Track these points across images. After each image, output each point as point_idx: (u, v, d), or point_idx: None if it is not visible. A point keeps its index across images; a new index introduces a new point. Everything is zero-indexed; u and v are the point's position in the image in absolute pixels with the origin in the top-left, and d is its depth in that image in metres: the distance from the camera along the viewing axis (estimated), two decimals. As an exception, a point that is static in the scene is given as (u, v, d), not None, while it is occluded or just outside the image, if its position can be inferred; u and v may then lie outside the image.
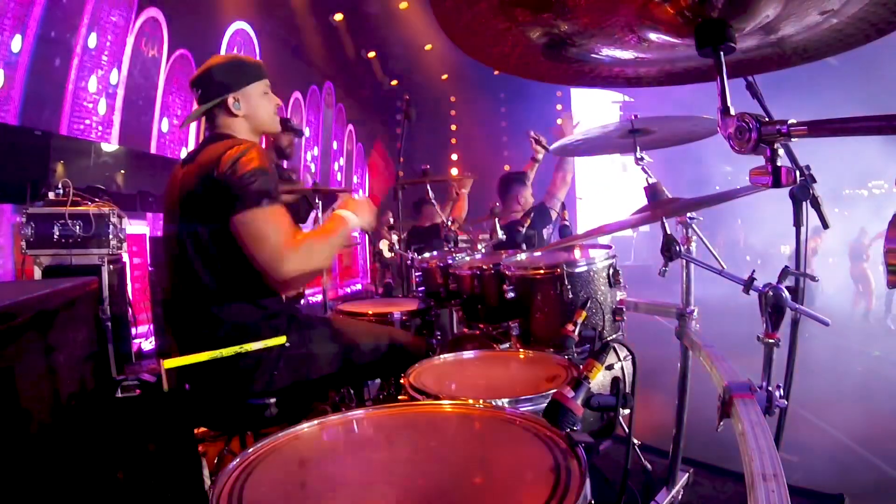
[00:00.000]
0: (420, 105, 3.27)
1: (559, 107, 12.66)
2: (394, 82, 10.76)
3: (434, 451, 0.90)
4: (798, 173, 1.07)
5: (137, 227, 4.17)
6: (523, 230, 2.67)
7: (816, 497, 1.95)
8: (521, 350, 1.64)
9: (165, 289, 1.63)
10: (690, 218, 1.50)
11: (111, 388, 2.55)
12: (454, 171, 11.39)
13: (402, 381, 1.32)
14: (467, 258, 2.25)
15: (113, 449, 2.00)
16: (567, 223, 2.40)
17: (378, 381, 2.45)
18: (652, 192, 1.46)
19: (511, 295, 1.72)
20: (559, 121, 3.81)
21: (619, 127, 1.59)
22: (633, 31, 0.82)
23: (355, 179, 11.73)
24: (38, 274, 2.75)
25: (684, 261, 1.52)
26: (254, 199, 1.40)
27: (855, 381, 4.58)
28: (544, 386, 1.24)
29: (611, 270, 1.66)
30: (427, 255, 2.53)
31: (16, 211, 3.26)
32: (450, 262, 2.19)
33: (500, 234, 2.54)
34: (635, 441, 2.13)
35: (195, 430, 2.06)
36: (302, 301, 3.59)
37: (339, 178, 10.56)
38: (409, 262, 2.60)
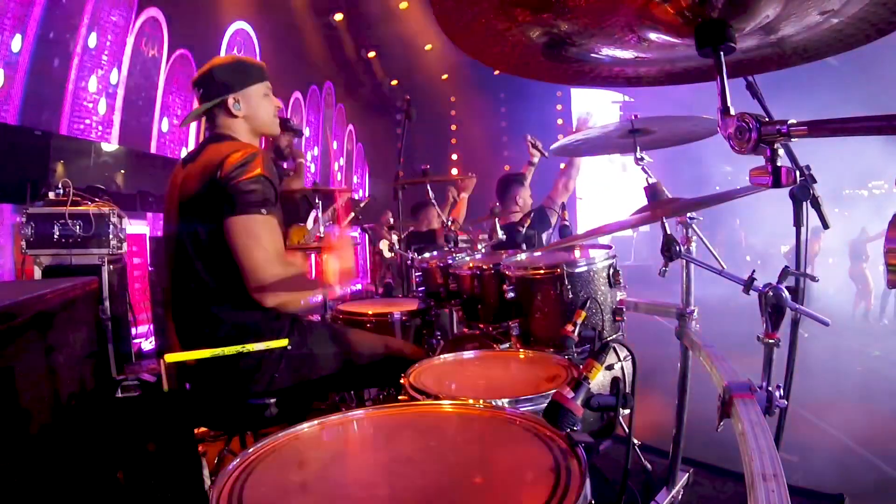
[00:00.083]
0: (420, 105, 3.26)
1: (559, 107, 12.67)
2: (394, 82, 10.76)
3: (434, 451, 0.90)
4: (798, 173, 1.07)
5: (137, 227, 4.16)
6: (523, 230, 2.67)
7: (816, 497, 1.95)
8: (521, 350, 1.64)
9: (166, 289, 1.63)
10: (690, 218, 1.50)
11: (111, 388, 2.55)
12: (454, 171, 11.40)
13: (402, 381, 1.32)
14: (467, 258, 2.25)
15: (113, 449, 2.00)
16: (567, 223, 2.40)
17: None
18: (652, 192, 1.46)
19: (511, 295, 1.72)
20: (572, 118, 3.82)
21: (619, 127, 1.59)
22: (633, 31, 0.82)
23: (355, 179, 11.73)
24: (38, 274, 2.75)
25: (684, 261, 1.52)
26: (251, 205, 1.42)
27: (855, 381, 4.58)
28: (544, 386, 1.24)
29: (611, 270, 1.66)
30: (427, 255, 2.53)
31: (16, 211, 3.26)
32: (450, 262, 2.19)
33: (500, 235, 2.54)
34: (635, 441, 2.13)
35: (195, 430, 2.06)
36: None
37: (339, 178, 10.56)
38: (409, 262, 2.60)
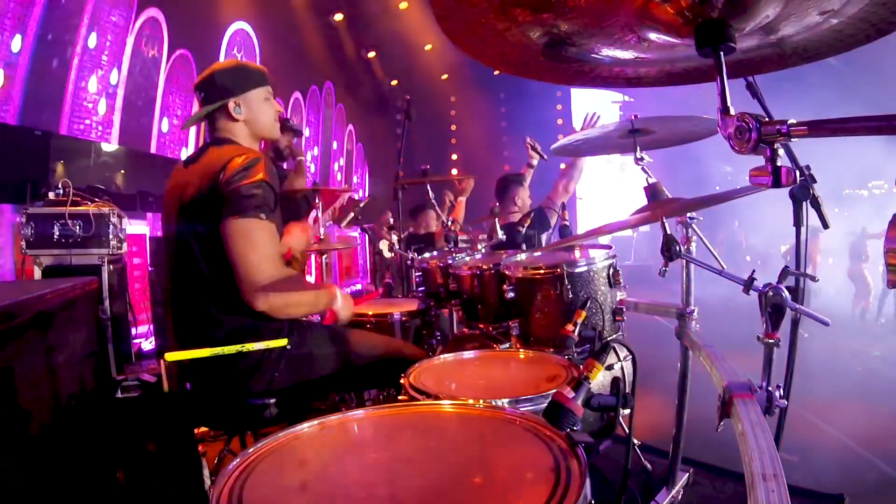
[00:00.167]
0: (420, 105, 3.26)
1: (559, 107, 12.68)
2: (394, 82, 10.76)
3: (434, 451, 0.90)
4: (798, 173, 1.07)
5: (137, 227, 4.17)
6: (523, 231, 2.67)
7: (816, 497, 1.95)
8: (521, 350, 1.64)
9: (165, 289, 1.64)
10: (690, 218, 1.50)
11: (111, 388, 2.55)
12: (454, 171, 11.39)
13: (402, 381, 1.32)
14: (467, 258, 2.25)
15: (113, 449, 2.00)
16: (567, 223, 2.40)
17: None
18: (652, 192, 1.46)
19: (511, 295, 1.72)
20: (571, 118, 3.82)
21: (619, 127, 1.59)
22: (633, 31, 0.82)
23: (355, 179, 11.73)
24: (38, 274, 2.75)
25: (684, 261, 1.52)
26: (250, 209, 1.42)
27: (855, 381, 4.59)
28: (544, 386, 1.24)
29: (611, 270, 1.66)
30: (427, 255, 2.53)
31: (16, 211, 3.26)
32: (450, 262, 2.19)
33: (500, 235, 2.54)
34: (635, 441, 2.13)
35: (195, 430, 2.06)
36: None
37: (339, 178, 10.57)
38: (409, 262, 2.60)
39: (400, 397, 1.26)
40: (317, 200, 2.92)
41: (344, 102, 10.70)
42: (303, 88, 8.64)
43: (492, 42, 0.86)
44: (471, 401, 1.09)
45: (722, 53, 0.76)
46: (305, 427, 0.97)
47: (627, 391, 0.98)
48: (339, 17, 8.44)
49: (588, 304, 1.56)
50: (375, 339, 1.78)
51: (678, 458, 1.76)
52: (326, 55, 8.72)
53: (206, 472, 1.72)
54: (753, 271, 1.08)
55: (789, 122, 0.69)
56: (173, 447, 2.00)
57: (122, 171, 4.30)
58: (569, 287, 1.60)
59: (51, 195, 2.84)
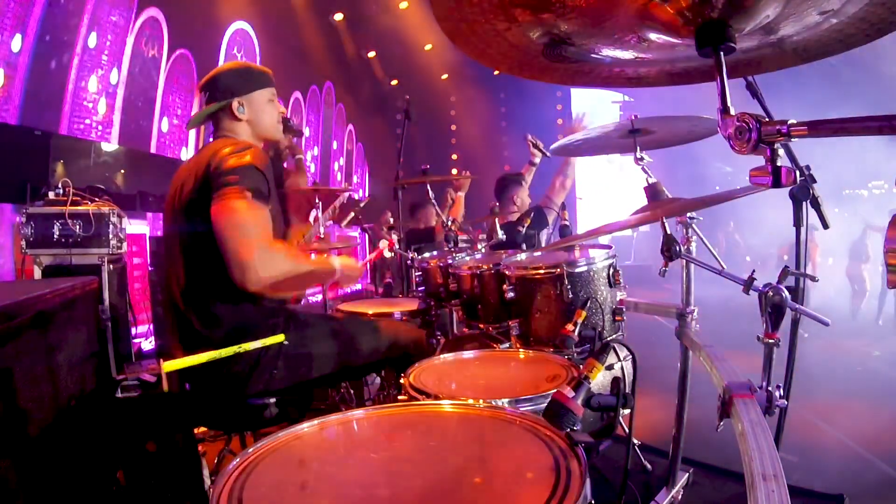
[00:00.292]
0: (420, 105, 3.27)
1: (559, 107, 12.66)
2: (394, 82, 10.76)
3: (434, 451, 0.90)
4: (798, 173, 1.07)
5: (137, 226, 4.17)
6: (523, 230, 2.67)
7: (816, 497, 1.95)
8: (521, 350, 1.64)
9: (165, 288, 1.64)
10: (690, 218, 1.50)
11: (111, 388, 2.55)
12: (454, 171, 11.39)
13: (402, 380, 1.32)
14: (467, 258, 2.25)
15: (113, 449, 1.99)
16: (567, 223, 2.40)
17: (378, 381, 2.45)
18: (652, 191, 1.46)
19: (511, 295, 1.72)
20: (571, 118, 3.82)
21: (619, 127, 1.59)
22: (633, 31, 0.82)
23: (355, 179, 11.73)
24: (38, 274, 2.75)
25: (684, 261, 1.52)
26: (235, 189, 1.38)
27: (855, 381, 4.58)
28: (544, 386, 1.24)
29: (611, 270, 1.66)
30: (427, 254, 2.53)
31: (16, 211, 3.26)
32: (450, 262, 2.19)
33: (500, 234, 2.54)
34: (635, 441, 2.13)
35: (195, 430, 2.06)
36: (301, 302, 3.59)
37: (339, 178, 10.57)
38: (409, 262, 2.60)
39: (400, 397, 1.27)
40: (317, 200, 2.92)
41: (344, 102, 10.69)
42: (303, 88, 8.64)
43: (492, 42, 0.86)
44: (471, 401, 1.09)
45: (722, 53, 0.76)
46: (305, 427, 0.97)
47: (627, 391, 0.98)
48: (339, 17, 8.44)
49: (588, 304, 1.56)
50: (374, 325, 1.78)
51: (678, 458, 1.76)
52: (326, 55, 8.71)
53: (206, 472, 1.72)
54: (753, 271, 1.08)
55: (789, 122, 0.69)
56: (173, 447, 1.99)
57: (122, 171, 4.30)
58: (569, 287, 1.60)
59: (51, 195, 2.84)
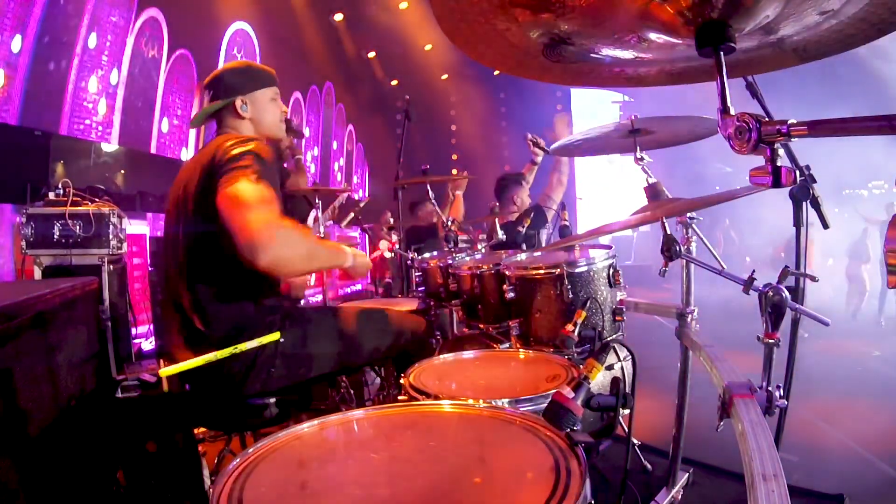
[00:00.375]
0: (420, 105, 3.27)
1: (559, 107, 12.67)
2: (394, 82, 10.76)
3: (434, 451, 0.90)
4: (798, 173, 1.07)
5: (137, 227, 4.17)
6: (524, 230, 2.67)
7: (816, 497, 1.95)
8: (521, 350, 1.64)
9: (164, 288, 1.64)
10: (690, 218, 1.50)
11: (111, 388, 2.55)
12: (454, 171, 11.39)
13: (402, 380, 1.32)
14: (467, 258, 2.25)
15: (113, 449, 1.99)
16: (567, 223, 2.40)
17: (378, 381, 2.45)
18: (652, 192, 1.46)
19: (511, 295, 1.72)
20: (557, 118, 3.82)
21: (619, 127, 1.59)
22: (633, 31, 0.82)
23: (355, 179, 11.73)
24: (38, 274, 2.75)
25: (684, 261, 1.52)
26: (244, 171, 1.36)
27: (855, 381, 4.58)
28: (544, 386, 1.24)
29: (611, 270, 1.66)
30: (427, 255, 2.53)
31: (16, 211, 3.26)
32: (450, 262, 2.19)
33: (500, 234, 2.55)
34: (635, 441, 2.13)
35: (195, 430, 2.06)
36: (301, 302, 3.60)
37: (339, 178, 10.57)
38: (409, 262, 2.60)
39: (400, 397, 1.27)
40: (317, 200, 2.93)
41: (344, 102, 10.70)
42: (303, 88, 8.64)
43: (492, 42, 0.86)
44: (471, 401, 1.09)
45: (722, 53, 0.76)
46: (305, 427, 0.97)
47: (627, 391, 0.98)
48: (339, 17, 8.45)
49: (588, 304, 1.56)
50: (373, 315, 1.78)
51: (678, 458, 1.76)
52: (326, 55, 8.72)
53: (206, 472, 1.72)
54: (753, 271, 1.08)
55: (789, 122, 0.69)
56: (173, 447, 2.00)
57: (122, 172, 4.31)
58: (569, 287, 1.60)
59: (51, 195, 2.84)
